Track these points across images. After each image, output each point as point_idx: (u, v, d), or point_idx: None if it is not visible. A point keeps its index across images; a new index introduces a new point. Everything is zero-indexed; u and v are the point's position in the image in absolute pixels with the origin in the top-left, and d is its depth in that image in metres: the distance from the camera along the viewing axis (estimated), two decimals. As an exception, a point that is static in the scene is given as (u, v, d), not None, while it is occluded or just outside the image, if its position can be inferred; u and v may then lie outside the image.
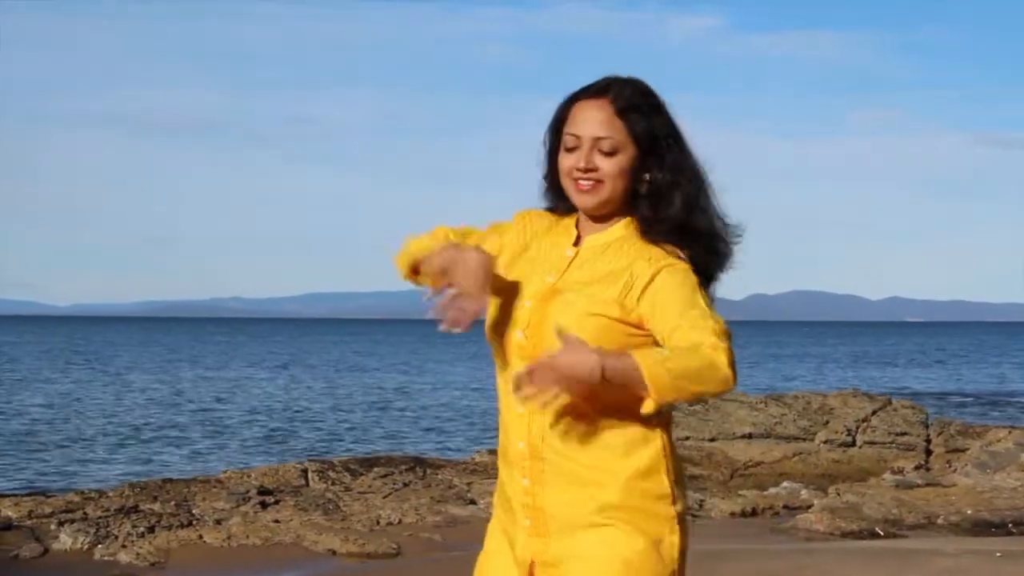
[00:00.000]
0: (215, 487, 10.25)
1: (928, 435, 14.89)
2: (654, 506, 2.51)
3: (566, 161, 2.56)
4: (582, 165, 2.53)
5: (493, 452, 13.17)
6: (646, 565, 2.50)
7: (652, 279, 2.48)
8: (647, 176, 2.54)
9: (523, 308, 2.56)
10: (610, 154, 2.52)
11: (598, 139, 2.52)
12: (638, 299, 2.48)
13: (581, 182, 2.54)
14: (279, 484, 10.53)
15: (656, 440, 2.54)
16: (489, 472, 11.47)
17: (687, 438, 14.38)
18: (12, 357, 60.62)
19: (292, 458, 16.38)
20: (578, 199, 2.57)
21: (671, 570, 2.53)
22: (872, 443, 14.50)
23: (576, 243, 2.61)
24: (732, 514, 10.52)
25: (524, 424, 2.55)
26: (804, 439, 14.49)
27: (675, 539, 2.53)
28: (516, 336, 2.55)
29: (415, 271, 2.64)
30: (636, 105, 2.54)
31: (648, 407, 2.36)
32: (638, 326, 2.49)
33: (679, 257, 2.52)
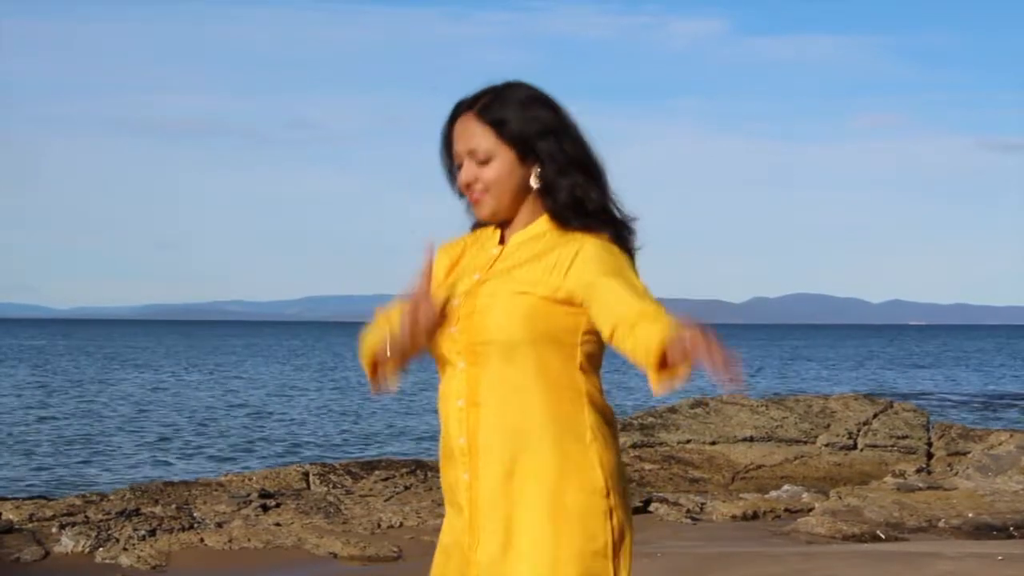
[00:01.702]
0: (216, 490, 10.25)
1: (929, 438, 14.89)
2: (588, 499, 2.52)
3: (458, 179, 2.64)
4: (463, 180, 2.62)
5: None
6: (581, 559, 2.50)
7: (577, 253, 2.53)
8: (536, 172, 2.60)
9: (453, 306, 2.61)
10: (485, 163, 2.59)
11: (471, 151, 2.60)
12: (565, 274, 2.53)
13: (473, 196, 2.62)
14: (280, 487, 10.54)
15: (588, 433, 2.55)
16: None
17: (688, 441, 14.38)
18: (54, 356, 60.63)
19: (293, 461, 16.39)
20: (475, 212, 2.66)
21: (608, 561, 2.53)
22: (873, 446, 14.50)
23: (501, 243, 2.68)
24: (733, 517, 10.52)
25: (463, 419, 2.58)
26: (805, 442, 14.48)
27: (608, 534, 2.53)
28: (449, 331, 2.59)
29: (375, 368, 2.72)
30: (497, 108, 2.60)
31: (664, 387, 2.38)
32: (567, 302, 2.53)
33: (603, 237, 2.57)
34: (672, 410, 15.53)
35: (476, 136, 2.59)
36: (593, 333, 2.56)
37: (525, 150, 2.59)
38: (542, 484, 2.52)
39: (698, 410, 15.40)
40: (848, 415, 15.20)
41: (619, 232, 2.61)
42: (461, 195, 2.70)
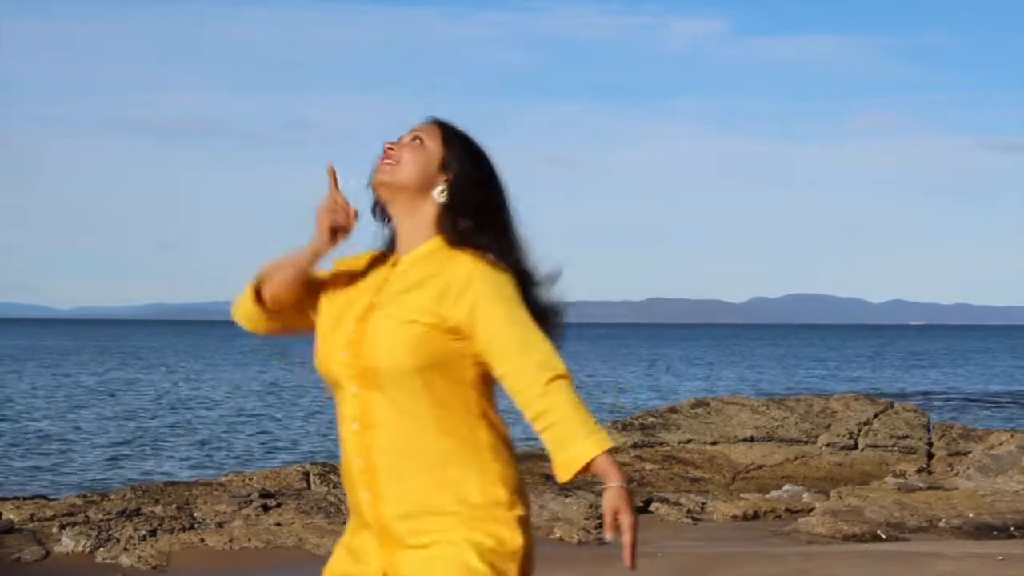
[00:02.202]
0: (217, 490, 10.24)
1: (930, 438, 14.88)
2: (494, 512, 2.58)
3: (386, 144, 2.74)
4: (391, 142, 2.72)
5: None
6: (491, 565, 2.56)
7: (466, 284, 2.59)
8: (445, 180, 2.69)
9: (345, 330, 2.66)
10: (416, 142, 2.71)
11: (414, 133, 2.72)
12: (453, 305, 2.59)
13: (385, 161, 2.71)
14: (281, 487, 10.54)
15: (488, 453, 2.62)
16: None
17: (689, 441, 14.38)
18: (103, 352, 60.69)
19: (294, 461, 16.39)
20: (377, 175, 2.72)
21: (516, 566, 2.59)
22: (874, 446, 14.50)
23: (394, 266, 2.74)
24: (734, 517, 10.52)
25: (359, 442, 2.64)
26: (806, 442, 14.48)
27: (518, 539, 2.58)
28: (340, 356, 2.65)
29: (261, 296, 2.80)
30: (453, 129, 2.74)
31: (565, 477, 2.52)
32: (455, 332, 2.59)
33: (490, 262, 2.63)
34: (673, 410, 15.53)
35: (427, 130, 2.73)
36: (478, 356, 2.61)
37: (448, 161, 2.70)
38: (444, 501, 2.58)
39: (699, 410, 15.40)
40: (849, 415, 15.19)
41: (512, 254, 2.67)
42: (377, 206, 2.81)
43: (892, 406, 15.68)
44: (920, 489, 11.22)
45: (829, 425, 14.89)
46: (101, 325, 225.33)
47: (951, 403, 34.53)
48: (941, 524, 10.05)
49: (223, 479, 10.97)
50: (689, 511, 10.50)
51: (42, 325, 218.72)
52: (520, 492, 2.63)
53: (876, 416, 15.17)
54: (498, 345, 2.56)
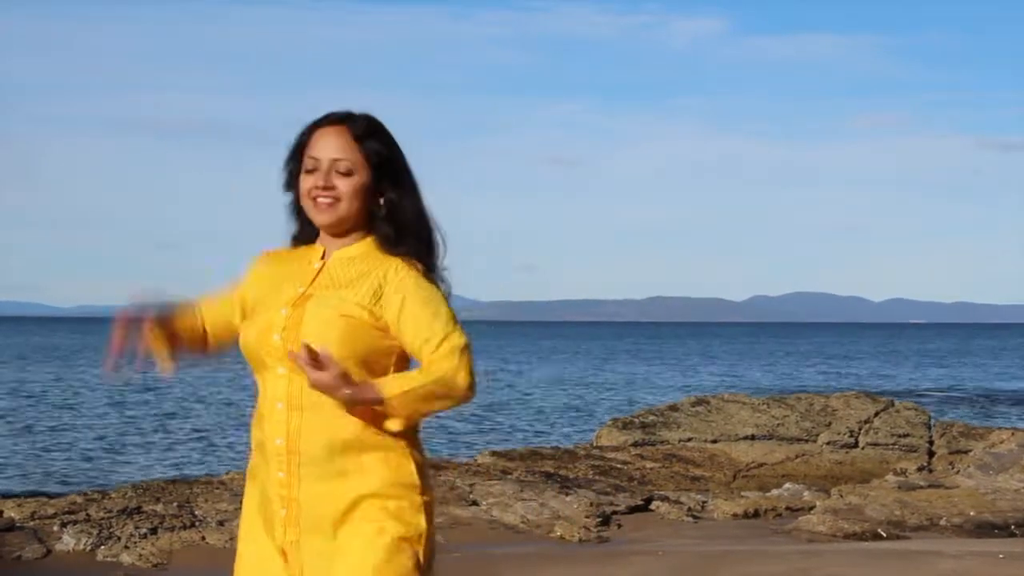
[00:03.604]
0: (218, 488, 10.25)
1: (931, 436, 14.90)
2: (403, 494, 2.75)
3: (306, 183, 2.81)
4: (320, 183, 2.78)
5: (496, 454, 13.18)
6: (398, 553, 2.72)
7: (396, 289, 2.76)
8: (382, 197, 2.82)
9: (278, 314, 2.79)
10: (346, 175, 2.80)
11: (336, 160, 2.79)
12: (386, 305, 2.76)
13: (320, 200, 2.79)
14: (282, 485, 10.53)
15: (399, 438, 2.77)
16: (491, 473, 11.47)
17: (689, 439, 14.39)
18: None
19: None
20: (317, 216, 2.81)
21: (421, 547, 2.76)
22: (874, 444, 14.51)
23: (323, 257, 2.86)
24: (734, 515, 10.52)
25: (283, 421, 2.77)
26: (807, 440, 14.49)
27: (422, 523, 2.77)
28: (273, 339, 2.78)
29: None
30: (370, 132, 2.82)
31: (394, 426, 2.71)
32: (383, 329, 2.76)
33: (417, 268, 2.80)
34: (673, 408, 15.54)
35: (345, 149, 2.80)
36: (402, 353, 2.79)
37: (380, 176, 2.81)
38: (361, 483, 2.73)
39: (699, 408, 15.41)
40: (849, 413, 15.20)
41: (435, 254, 2.85)
42: (294, 202, 2.91)
43: (892, 404, 15.70)
44: (921, 487, 11.22)
45: (829, 423, 14.90)
46: (103, 323, 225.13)
47: (952, 401, 34.53)
48: (942, 522, 10.05)
49: (224, 477, 10.98)
50: (690, 509, 10.50)
51: (45, 323, 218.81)
52: (425, 478, 2.80)
53: (877, 414, 15.18)
54: (419, 341, 2.74)
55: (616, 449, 13.80)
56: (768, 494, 11.45)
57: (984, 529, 9.95)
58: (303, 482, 2.75)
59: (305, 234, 2.92)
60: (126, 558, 8.20)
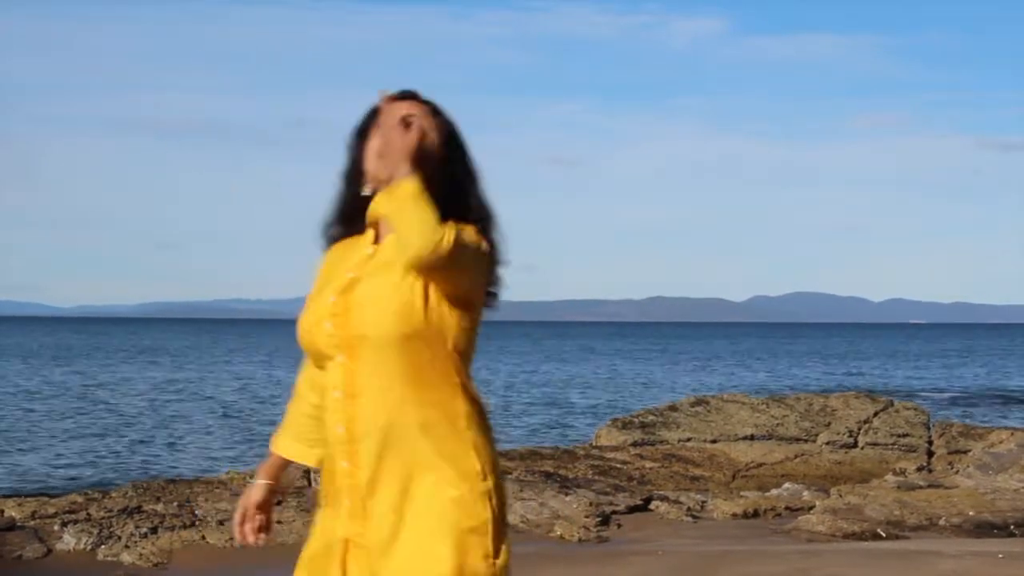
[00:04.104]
0: (218, 488, 10.26)
1: (930, 436, 14.90)
2: (467, 483, 2.64)
3: (375, 142, 2.72)
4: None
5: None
6: (459, 535, 2.62)
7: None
8: (444, 174, 2.73)
9: (327, 302, 2.73)
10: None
11: (407, 116, 2.71)
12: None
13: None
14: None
15: (462, 421, 2.67)
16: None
17: (689, 439, 14.39)
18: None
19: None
20: (384, 172, 2.71)
21: (487, 539, 2.64)
22: (874, 444, 14.51)
23: (376, 242, 2.79)
24: (734, 515, 10.53)
25: (340, 409, 2.69)
26: (806, 440, 14.49)
27: (486, 512, 2.64)
28: (325, 327, 2.70)
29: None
30: (439, 110, 2.78)
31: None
32: (441, 299, 2.64)
33: (473, 231, 2.70)
34: (673, 408, 15.54)
35: (428, 120, 2.74)
36: (465, 328, 2.69)
37: (446, 148, 2.75)
38: (422, 470, 2.64)
39: (699, 408, 15.42)
40: (849, 413, 15.21)
41: (488, 230, 2.76)
42: (351, 192, 2.82)
43: (892, 404, 15.70)
44: (920, 487, 11.23)
45: (829, 423, 14.90)
46: (103, 323, 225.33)
47: (951, 401, 34.53)
48: (941, 522, 10.06)
49: (224, 477, 10.99)
50: (689, 509, 10.51)
51: (45, 323, 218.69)
52: (493, 463, 2.69)
53: (876, 414, 15.19)
54: None
55: (615, 449, 13.81)
56: (767, 494, 11.46)
57: (983, 529, 9.96)
58: (364, 470, 2.67)
59: (358, 227, 2.84)
60: (126, 557, 8.21)
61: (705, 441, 14.35)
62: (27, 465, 18.38)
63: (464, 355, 2.71)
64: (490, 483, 2.66)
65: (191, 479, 11.15)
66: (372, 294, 2.67)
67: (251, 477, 11.69)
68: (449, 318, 2.66)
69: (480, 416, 2.72)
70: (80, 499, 9.56)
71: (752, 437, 14.45)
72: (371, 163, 2.73)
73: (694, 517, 10.35)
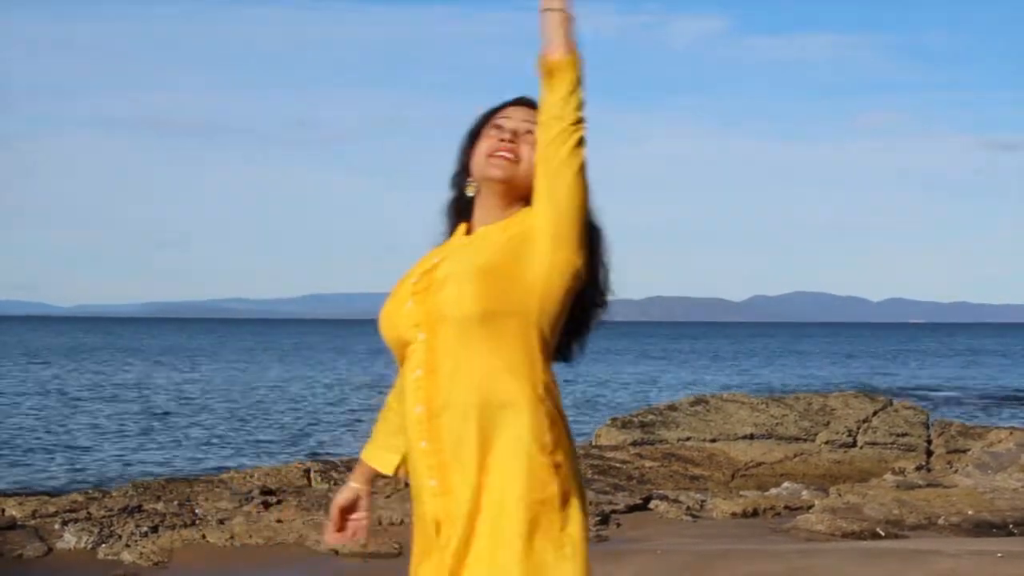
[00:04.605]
0: (218, 487, 10.28)
1: (929, 436, 14.92)
2: (539, 456, 2.62)
3: (486, 143, 2.75)
4: (507, 137, 2.73)
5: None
6: (529, 507, 2.60)
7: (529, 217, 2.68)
8: None
9: (408, 284, 2.74)
10: (532, 146, 2.71)
11: (525, 123, 2.74)
12: (522, 239, 2.66)
13: (501, 155, 2.72)
14: (282, 484, 10.57)
15: (537, 396, 2.66)
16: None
17: (688, 438, 14.41)
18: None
19: (295, 458, 16.42)
20: (491, 171, 2.74)
21: (556, 513, 2.62)
22: (873, 444, 14.53)
23: (467, 234, 2.79)
24: (733, 514, 10.54)
25: (421, 388, 2.67)
26: (805, 440, 14.51)
27: (553, 486, 2.62)
28: (406, 306, 2.71)
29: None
30: None
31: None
32: (525, 275, 2.63)
33: None
34: (672, 407, 15.56)
35: (534, 122, 2.73)
36: (546, 311, 2.68)
37: None
38: (496, 445, 2.63)
39: (698, 407, 15.44)
40: (848, 413, 15.23)
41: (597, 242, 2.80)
42: (457, 195, 2.83)
43: (891, 404, 15.73)
44: (919, 487, 11.25)
45: (828, 423, 14.92)
46: (102, 323, 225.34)
47: (950, 400, 34.55)
48: (940, 522, 10.07)
49: (224, 476, 11.01)
50: (688, 508, 10.53)
51: (43, 323, 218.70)
52: (561, 437, 2.67)
53: (875, 414, 15.21)
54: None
55: (615, 448, 13.82)
56: (767, 493, 11.48)
57: (982, 528, 9.97)
58: (444, 448, 2.66)
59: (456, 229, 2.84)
60: (127, 556, 8.22)
61: (704, 440, 14.36)
62: (28, 464, 18.40)
63: (544, 338, 2.70)
64: (559, 457, 2.64)
65: (191, 478, 11.17)
66: (454, 271, 2.67)
67: (251, 477, 11.70)
68: (532, 298, 2.65)
69: (555, 391, 2.71)
70: (80, 498, 9.58)
71: (751, 436, 14.46)
72: (479, 165, 2.76)
73: (693, 516, 10.36)
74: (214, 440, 22.55)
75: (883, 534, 9.68)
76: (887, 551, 8.26)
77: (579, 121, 2.63)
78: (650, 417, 15.05)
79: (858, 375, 51.23)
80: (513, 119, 2.77)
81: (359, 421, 27.06)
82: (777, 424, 14.72)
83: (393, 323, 2.73)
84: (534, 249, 2.66)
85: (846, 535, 9.58)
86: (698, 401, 15.77)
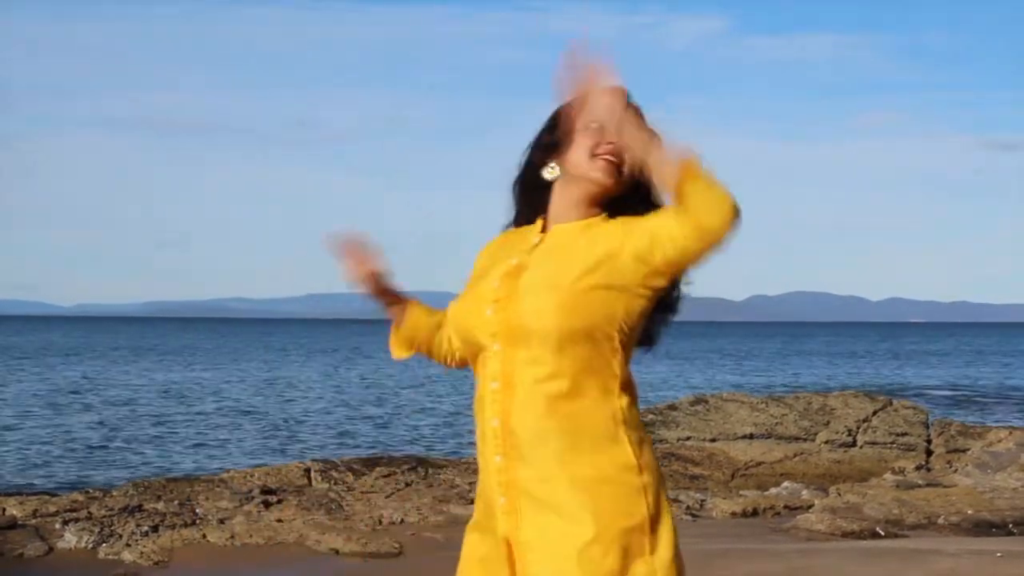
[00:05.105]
0: (218, 487, 10.28)
1: (929, 435, 14.92)
2: (623, 477, 2.55)
3: (587, 140, 2.63)
4: (615, 140, 2.60)
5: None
6: (620, 535, 2.52)
7: (621, 229, 2.59)
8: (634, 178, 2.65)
9: (489, 286, 2.64)
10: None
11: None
12: (611, 255, 2.57)
13: (606, 156, 2.62)
14: (282, 484, 10.57)
15: (620, 414, 2.59)
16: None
17: (688, 438, 14.42)
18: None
19: (295, 458, 16.43)
20: (597, 174, 2.63)
21: (646, 536, 2.54)
22: (873, 443, 14.54)
23: (543, 231, 2.70)
24: (733, 514, 10.55)
25: (497, 401, 2.58)
26: (805, 439, 14.52)
27: (642, 508, 2.54)
28: (486, 313, 2.61)
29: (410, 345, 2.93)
30: (637, 107, 2.65)
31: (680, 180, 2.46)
32: (608, 283, 2.55)
33: None
34: (672, 407, 15.57)
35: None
36: (627, 323, 2.60)
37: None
38: (578, 465, 2.54)
39: (698, 407, 15.44)
40: (847, 412, 15.23)
41: None
42: (528, 179, 2.73)
43: (891, 403, 15.72)
44: (919, 486, 11.26)
45: (828, 422, 14.92)
46: (103, 322, 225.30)
47: (950, 400, 34.56)
48: (940, 521, 10.08)
49: (224, 475, 11.01)
50: (688, 508, 10.54)
51: (44, 322, 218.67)
52: (645, 457, 2.61)
53: (875, 413, 15.21)
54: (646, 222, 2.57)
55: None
56: (766, 493, 11.49)
57: (982, 528, 9.98)
58: (519, 465, 2.56)
59: (527, 218, 2.75)
60: (127, 556, 8.23)
61: (704, 440, 14.37)
62: (29, 463, 18.42)
63: (626, 349, 2.63)
64: (646, 478, 2.58)
65: (191, 478, 11.17)
66: (538, 283, 2.58)
67: (251, 476, 11.66)
68: (616, 313, 2.58)
69: (635, 410, 2.65)
70: (81, 498, 9.59)
71: (751, 436, 14.47)
72: (578, 160, 2.65)
73: (693, 516, 10.37)
74: (214, 439, 22.56)
75: (883, 534, 9.69)
76: (887, 551, 8.27)
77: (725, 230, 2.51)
78: (650, 417, 15.05)
79: (858, 374, 51.25)
80: (612, 114, 2.61)
81: (359, 420, 27.08)
82: (777, 424, 14.72)
83: (469, 326, 2.65)
84: (624, 272, 2.57)
85: (846, 535, 9.59)
86: (698, 401, 15.78)
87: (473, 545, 2.67)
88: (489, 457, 2.61)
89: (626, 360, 2.64)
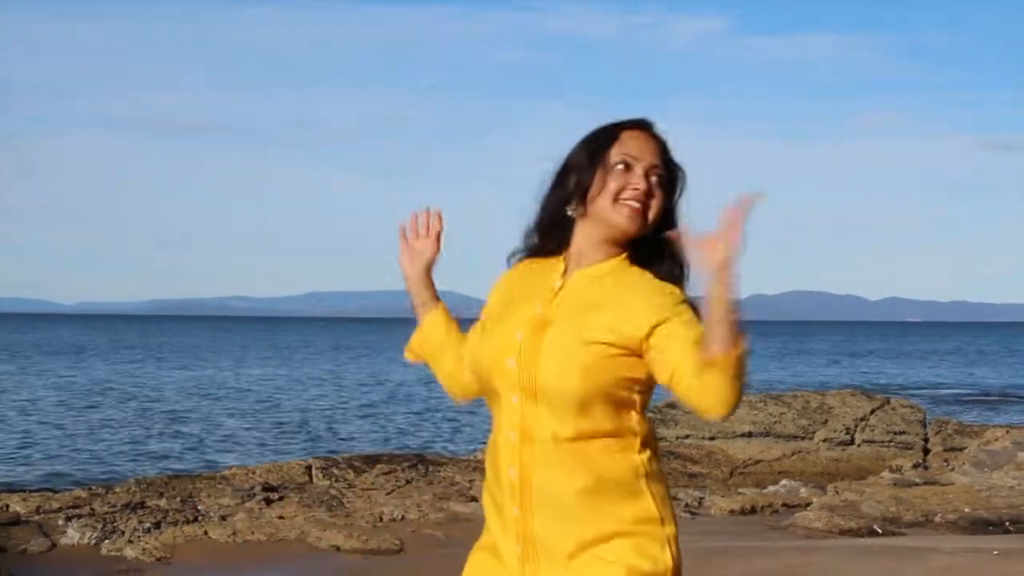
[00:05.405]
0: (220, 483, 10.32)
1: (926, 434, 14.96)
2: (646, 528, 2.55)
3: (617, 180, 2.58)
4: (643, 187, 2.57)
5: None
6: None
7: (656, 307, 2.55)
8: (660, 227, 2.62)
9: (513, 337, 2.59)
10: (660, 188, 2.60)
11: (655, 167, 2.60)
12: (638, 324, 2.54)
13: (635, 204, 2.57)
14: (283, 481, 10.62)
15: (642, 468, 2.58)
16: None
17: (687, 436, 14.46)
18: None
19: (296, 455, 16.47)
20: (620, 220, 2.58)
21: None
22: (870, 442, 14.58)
23: (564, 274, 2.65)
24: (731, 512, 10.59)
25: (516, 453, 2.56)
26: (803, 438, 14.56)
27: (668, 559, 2.55)
28: (507, 364, 2.58)
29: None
30: (670, 148, 2.65)
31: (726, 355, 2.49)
32: (629, 351, 2.53)
33: (672, 289, 2.60)
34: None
35: (661, 159, 2.62)
36: (648, 383, 2.59)
37: (673, 213, 2.65)
38: (599, 520, 2.54)
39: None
40: (845, 411, 15.26)
41: (683, 287, 2.66)
42: (551, 212, 2.68)
43: (888, 402, 15.75)
44: (916, 484, 11.30)
45: (826, 421, 14.96)
46: (105, 320, 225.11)
47: (947, 399, 34.58)
48: (937, 519, 10.12)
49: (226, 472, 11.05)
50: (687, 506, 10.58)
51: (46, 320, 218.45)
52: (667, 509, 2.60)
53: (873, 412, 15.25)
54: (671, 352, 2.53)
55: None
56: (765, 491, 11.52)
57: (979, 526, 10.02)
58: (537, 518, 2.55)
59: (546, 250, 2.70)
60: (130, 552, 8.27)
61: (703, 438, 14.42)
62: (32, 460, 18.45)
63: (646, 406, 2.63)
64: (669, 530, 2.56)
65: (194, 475, 11.21)
66: (563, 343, 2.54)
67: (253, 473, 11.69)
68: (638, 375, 2.56)
69: (656, 462, 2.64)
70: (84, 494, 9.63)
71: (750, 434, 14.51)
72: (603, 205, 2.59)
73: (692, 514, 10.41)
74: (216, 437, 22.58)
75: (880, 531, 9.73)
76: (884, 548, 8.30)
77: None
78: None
79: (856, 373, 51.25)
80: (643, 160, 2.59)
81: (359, 418, 27.11)
82: (775, 422, 14.77)
83: (489, 374, 2.63)
84: (640, 350, 2.54)
85: (844, 532, 9.63)
86: (697, 399, 15.80)
87: (485, 567, 2.68)
88: (507, 508, 2.61)
89: (645, 414, 2.64)
